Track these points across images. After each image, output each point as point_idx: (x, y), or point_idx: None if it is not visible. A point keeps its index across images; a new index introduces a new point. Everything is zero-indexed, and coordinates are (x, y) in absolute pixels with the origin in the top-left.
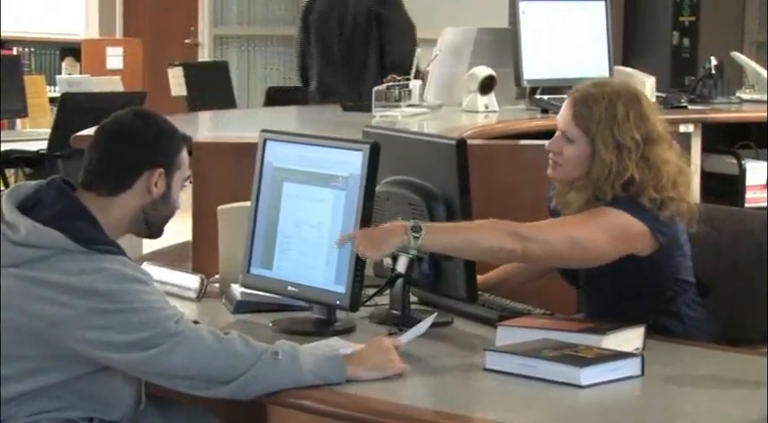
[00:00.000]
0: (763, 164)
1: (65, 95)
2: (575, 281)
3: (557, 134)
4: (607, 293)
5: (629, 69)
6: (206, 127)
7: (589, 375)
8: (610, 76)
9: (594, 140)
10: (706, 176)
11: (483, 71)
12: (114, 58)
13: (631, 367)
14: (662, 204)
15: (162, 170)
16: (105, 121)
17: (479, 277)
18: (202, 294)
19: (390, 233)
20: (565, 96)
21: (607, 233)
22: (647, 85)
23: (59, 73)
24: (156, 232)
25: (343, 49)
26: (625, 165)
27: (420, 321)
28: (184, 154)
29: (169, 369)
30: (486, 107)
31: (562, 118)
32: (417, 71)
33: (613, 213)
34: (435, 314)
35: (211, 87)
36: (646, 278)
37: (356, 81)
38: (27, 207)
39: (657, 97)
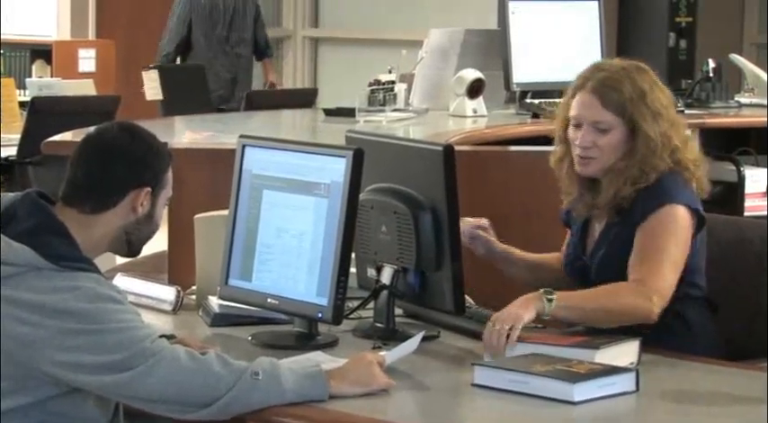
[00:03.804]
0: (762, 171)
1: (35, 99)
2: (584, 279)
3: (583, 129)
4: None
5: None
6: (182, 132)
7: (582, 391)
8: None
9: (633, 119)
10: None
11: (471, 74)
12: (87, 60)
13: (626, 382)
14: (697, 164)
15: (149, 189)
16: (89, 134)
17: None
18: (178, 307)
19: (525, 302)
20: (556, 100)
21: (684, 241)
22: None
23: (29, 76)
24: (135, 251)
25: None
26: (666, 132)
27: (405, 335)
28: (170, 172)
29: (145, 392)
30: (475, 112)
31: (588, 110)
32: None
33: (680, 215)
34: (423, 333)
35: (188, 91)
36: None
37: (234, 63)
38: (2, 221)
39: None
